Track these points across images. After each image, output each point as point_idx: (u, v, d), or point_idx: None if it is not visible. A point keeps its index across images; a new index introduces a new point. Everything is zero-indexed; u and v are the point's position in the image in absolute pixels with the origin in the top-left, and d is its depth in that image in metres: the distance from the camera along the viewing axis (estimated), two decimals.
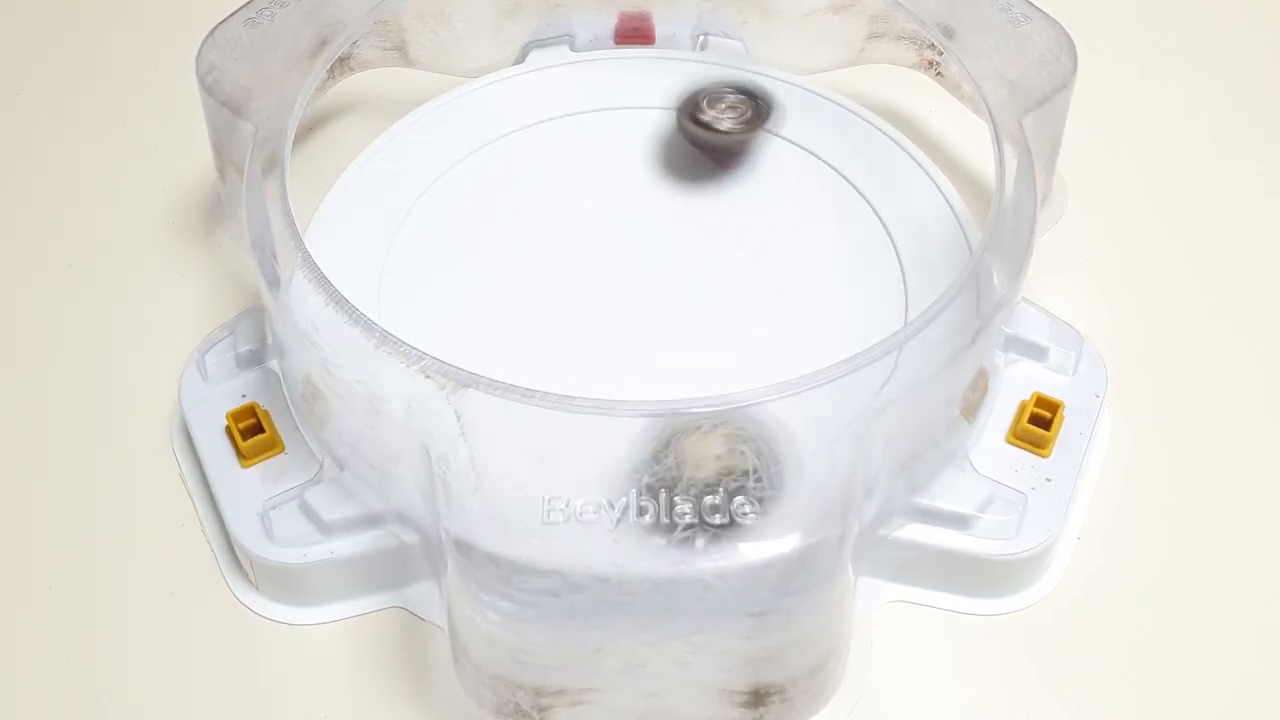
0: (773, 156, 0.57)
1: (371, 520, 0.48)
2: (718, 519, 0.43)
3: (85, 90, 0.64)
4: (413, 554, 0.48)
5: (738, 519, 0.43)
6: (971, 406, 0.49)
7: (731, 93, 0.57)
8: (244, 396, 0.51)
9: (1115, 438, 0.53)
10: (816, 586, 0.43)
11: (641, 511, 0.43)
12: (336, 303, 0.46)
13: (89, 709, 0.48)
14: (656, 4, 0.61)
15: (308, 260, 0.47)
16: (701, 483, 0.44)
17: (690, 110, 0.57)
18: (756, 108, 0.57)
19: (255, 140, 0.51)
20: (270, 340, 0.52)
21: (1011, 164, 0.51)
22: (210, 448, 0.51)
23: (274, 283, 0.48)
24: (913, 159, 0.57)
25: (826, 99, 0.59)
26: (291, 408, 0.51)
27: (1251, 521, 0.52)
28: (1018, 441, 0.50)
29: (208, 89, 0.53)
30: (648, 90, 0.59)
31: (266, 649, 0.49)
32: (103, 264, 0.58)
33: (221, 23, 0.54)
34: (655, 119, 0.58)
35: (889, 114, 0.59)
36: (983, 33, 0.54)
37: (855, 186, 0.56)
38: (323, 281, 0.47)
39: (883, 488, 0.46)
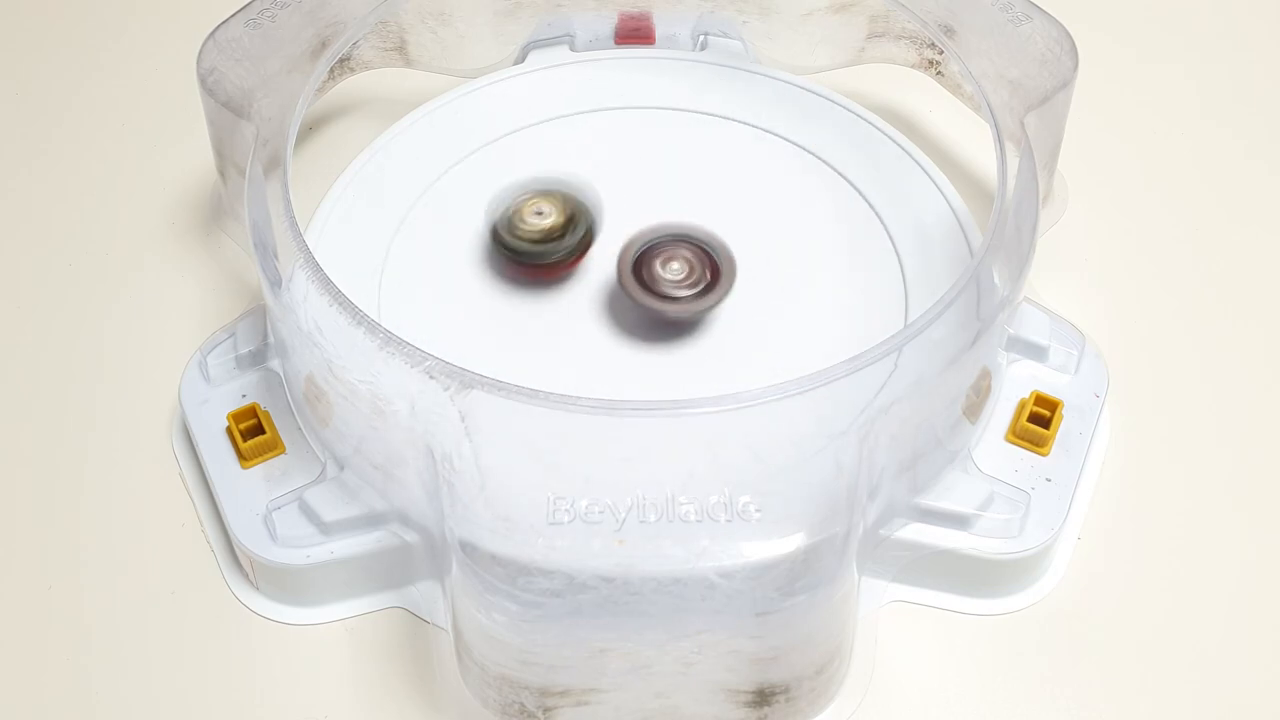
0: (773, 156, 0.57)
1: (373, 520, 0.48)
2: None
3: (85, 90, 0.64)
4: (415, 554, 0.48)
5: (742, 517, 0.43)
6: (974, 406, 0.49)
7: (685, 246, 0.53)
8: (244, 397, 0.52)
9: (1115, 437, 0.53)
10: (821, 586, 0.43)
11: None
12: (340, 303, 0.46)
13: (89, 709, 0.48)
14: (656, 4, 0.61)
15: (310, 260, 0.47)
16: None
17: (636, 268, 0.52)
18: (714, 267, 0.52)
19: (256, 141, 0.51)
20: (272, 340, 0.52)
21: (1013, 163, 0.51)
22: (211, 448, 0.51)
23: (276, 283, 0.48)
24: (913, 159, 0.57)
25: (826, 99, 0.59)
26: (293, 408, 0.51)
27: (1252, 521, 0.52)
28: (1017, 440, 0.51)
29: (209, 90, 0.53)
30: (648, 90, 0.59)
31: (266, 649, 0.49)
32: (103, 264, 0.58)
33: (222, 24, 0.54)
34: (656, 119, 0.59)
35: (889, 114, 0.59)
36: (983, 32, 0.54)
37: (855, 186, 0.56)
38: (326, 282, 0.47)
39: (886, 487, 0.46)
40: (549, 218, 0.53)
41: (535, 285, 0.53)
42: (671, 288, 0.52)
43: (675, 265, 0.52)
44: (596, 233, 0.53)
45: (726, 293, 0.52)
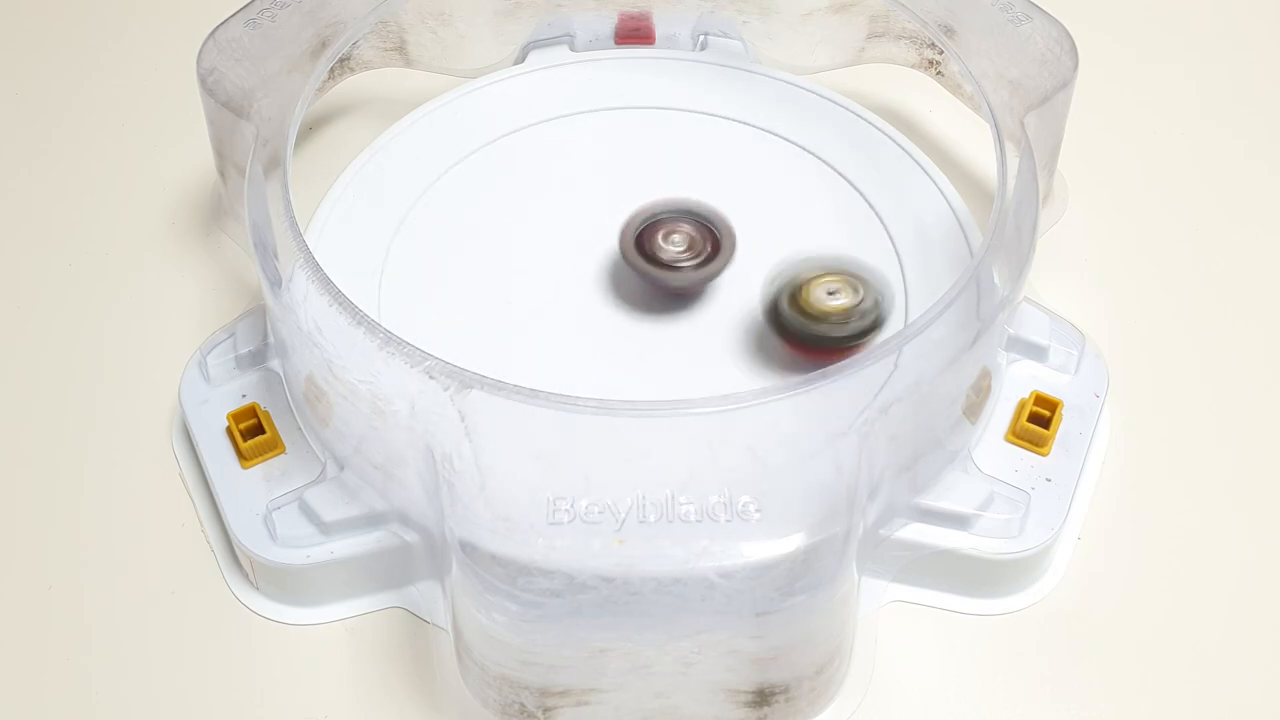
0: (773, 156, 0.57)
1: (373, 520, 0.48)
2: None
3: (85, 90, 0.64)
4: (415, 554, 0.48)
5: (742, 517, 0.43)
6: (974, 406, 0.49)
7: (686, 220, 0.53)
8: (244, 397, 0.52)
9: (1115, 437, 0.53)
10: (821, 586, 0.43)
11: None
12: (340, 303, 0.46)
13: (89, 709, 0.48)
14: (656, 4, 0.61)
15: (310, 260, 0.47)
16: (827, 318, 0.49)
17: (639, 242, 0.52)
18: (715, 240, 0.52)
19: (256, 140, 0.51)
20: (271, 340, 0.52)
21: (1013, 163, 0.51)
22: (211, 448, 0.51)
23: (276, 283, 0.48)
24: (913, 159, 0.57)
25: (826, 99, 0.59)
26: (293, 408, 0.51)
27: (1252, 521, 0.52)
28: (1017, 440, 0.51)
29: (209, 90, 0.53)
30: (648, 90, 0.59)
31: (266, 649, 0.49)
32: (103, 264, 0.58)
33: (222, 23, 0.54)
34: (656, 119, 0.59)
35: (889, 114, 0.59)
36: (983, 32, 0.54)
37: (855, 186, 0.56)
38: (325, 282, 0.47)
39: (886, 487, 0.46)
40: (841, 297, 0.50)
41: (537, 282, 0.53)
42: (674, 259, 0.52)
43: (677, 238, 0.52)
44: (885, 319, 0.50)
45: (728, 262, 0.52)
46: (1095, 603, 0.50)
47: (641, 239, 0.52)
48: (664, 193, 0.55)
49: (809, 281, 0.50)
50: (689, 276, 0.52)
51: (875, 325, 0.50)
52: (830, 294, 0.50)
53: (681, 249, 0.52)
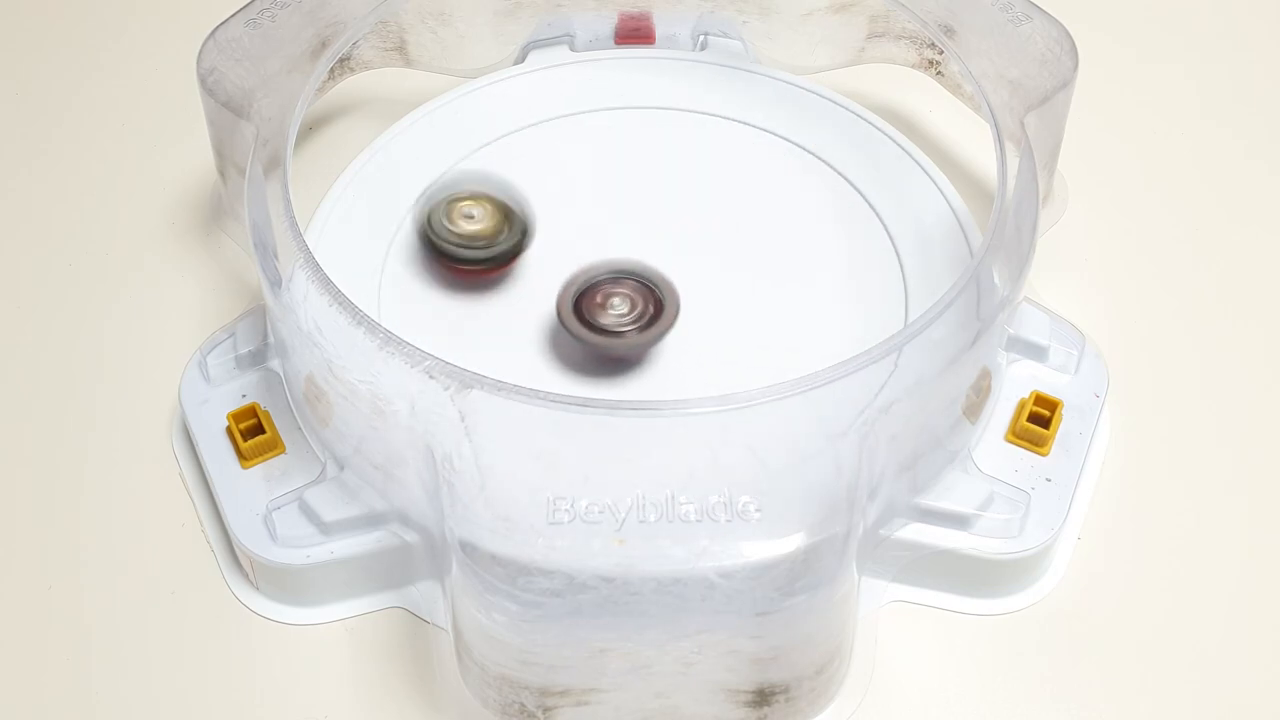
0: (773, 156, 0.57)
1: (373, 520, 0.48)
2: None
3: (85, 90, 0.64)
4: (415, 554, 0.48)
5: (742, 517, 0.43)
6: (974, 406, 0.49)
7: (627, 282, 0.52)
8: (244, 397, 0.52)
9: (1115, 437, 0.53)
10: (821, 586, 0.43)
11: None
12: (340, 303, 0.46)
13: (89, 709, 0.48)
14: (656, 4, 0.61)
15: (310, 260, 0.47)
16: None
17: (576, 305, 0.51)
18: (657, 302, 0.51)
19: (256, 141, 0.51)
20: (272, 340, 0.52)
21: (1013, 163, 0.51)
22: (211, 448, 0.51)
23: (276, 282, 0.48)
24: (913, 159, 0.57)
25: (826, 99, 0.59)
26: (293, 408, 0.51)
27: (1252, 521, 0.52)
28: (1017, 440, 0.51)
29: (209, 90, 0.53)
30: (648, 90, 0.59)
31: (266, 649, 0.49)
32: (103, 264, 0.58)
33: (222, 23, 0.54)
34: (656, 119, 0.59)
35: (889, 114, 0.59)
36: (983, 32, 0.54)
37: (855, 186, 0.56)
38: (325, 282, 0.47)
39: (886, 487, 0.46)
40: (479, 222, 0.53)
41: (536, 282, 0.53)
42: (616, 324, 0.51)
43: (616, 301, 0.52)
44: (530, 238, 0.53)
45: (671, 324, 0.51)
46: (1095, 603, 0.50)
47: (580, 305, 0.52)
48: (664, 193, 0.56)
49: (452, 203, 0.53)
50: (633, 341, 0.51)
51: (516, 250, 0.53)
52: (467, 218, 0.53)
53: (623, 313, 0.51)
